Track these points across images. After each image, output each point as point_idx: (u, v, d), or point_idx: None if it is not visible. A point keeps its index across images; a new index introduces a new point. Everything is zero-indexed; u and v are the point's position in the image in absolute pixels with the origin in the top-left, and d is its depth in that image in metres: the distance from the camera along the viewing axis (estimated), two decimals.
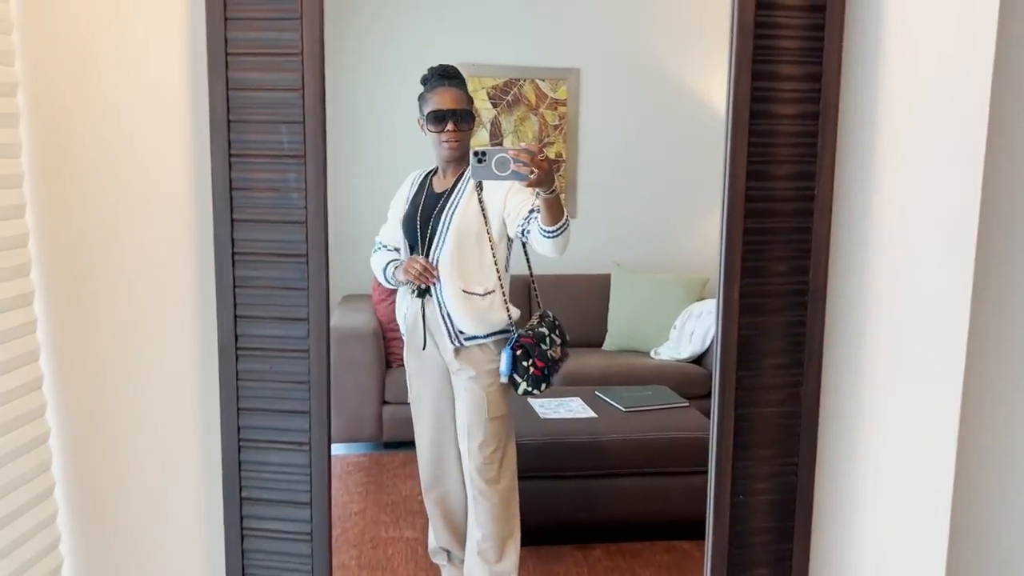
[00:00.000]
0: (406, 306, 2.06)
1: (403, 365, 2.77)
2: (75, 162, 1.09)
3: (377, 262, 2.18)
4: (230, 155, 1.04)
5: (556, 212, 1.73)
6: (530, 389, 2.09)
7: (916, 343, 1.14)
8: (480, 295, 1.97)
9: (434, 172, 2.01)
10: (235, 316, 1.07)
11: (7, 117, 1.05)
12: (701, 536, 3.13)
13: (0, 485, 1.03)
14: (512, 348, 1.98)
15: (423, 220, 1.98)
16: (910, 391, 1.15)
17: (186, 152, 1.09)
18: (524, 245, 1.99)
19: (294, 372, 1.08)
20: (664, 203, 4.01)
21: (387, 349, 3.64)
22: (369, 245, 2.20)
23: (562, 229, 1.80)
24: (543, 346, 2.03)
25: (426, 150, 2.07)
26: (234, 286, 1.07)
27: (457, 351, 2.00)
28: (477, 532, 2.22)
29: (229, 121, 1.04)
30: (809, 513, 1.13)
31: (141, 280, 1.12)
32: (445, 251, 1.94)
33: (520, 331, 2.01)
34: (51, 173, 1.09)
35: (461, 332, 1.99)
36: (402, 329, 2.12)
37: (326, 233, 1.05)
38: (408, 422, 2.94)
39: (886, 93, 1.11)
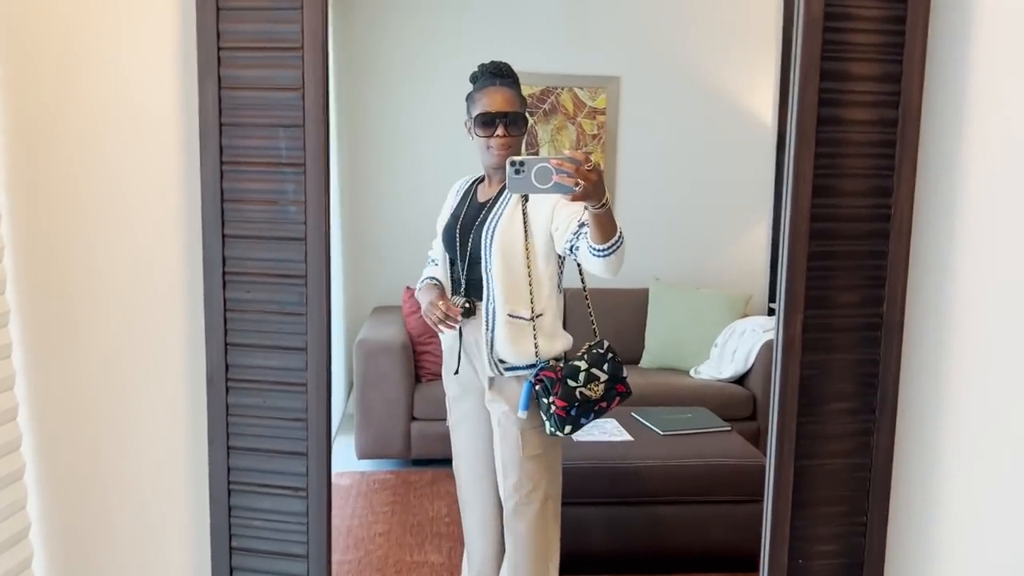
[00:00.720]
0: (447, 337, 1.89)
1: (434, 380, 2.59)
2: (53, 169, 0.97)
3: (425, 272, 2.02)
4: (221, 163, 0.92)
5: (608, 228, 1.50)
6: (553, 430, 1.87)
7: (1006, 386, 0.97)
8: (526, 319, 1.77)
9: (480, 180, 1.80)
10: (225, 343, 0.94)
11: None
12: (742, 569, 2.94)
13: None
14: (532, 382, 1.79)
15: (463, 233, 1.79)
16: (998, 441, 0.98)
17: (173, 159, 0.96)
18: (578, 263, 1.78)
19: (290, 408, 0.95)
20: (706, 216, 3.84)
21: (417, 363, 3.52)
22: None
23: (615, 247, 1.57)
24: (572, 383, 1.78)
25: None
26: (224, 310, 0.94)
27: (492, 381, 1.83)
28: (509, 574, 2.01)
29: (221, 124, 0.91)
30: None
31: (124, 301, 0.99)
32: (493, 269, 1.75)
33: (548, 363, 1.82)
34: (27, 182, 0.97)
35: (502, 361, 1.80)
36: (443, 347, 1.96)
37: (327, 251, 0.92)
38: (438, 439, 2.78)
39: (977, 97, 0.94)
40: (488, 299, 1.72)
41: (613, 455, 2.80)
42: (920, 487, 1.01)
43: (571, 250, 1.63)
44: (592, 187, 1.30)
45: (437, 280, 1.90)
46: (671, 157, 3.90)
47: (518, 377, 1.79)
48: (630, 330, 3.87)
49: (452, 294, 1.86)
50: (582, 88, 3.92)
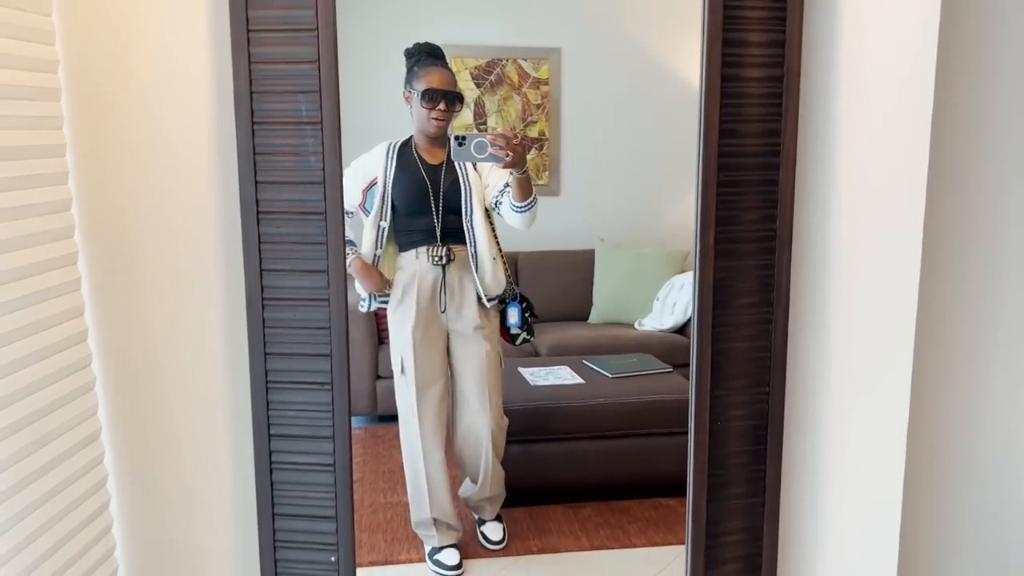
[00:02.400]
0: (414, 275, 2.15)
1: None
2: (110, 133, 1.21)
3: None
4: (253, 123, 1.17)
5: (526, 190, 1.98)
6: (529, 338, 2.33)
7: (875, 280, 1.29)
8: (493, 258, 2.14)
9: (408, 144, 2.12)
10: (260, 270, 1.20)
11: (49, 92, 1.16)
12: (684, 494, 3.30)
13: (51, 429, 1.15)
14: (519, 303, 2.19)
15: (434, 191, 2.11)
16: (870, 324, 1.30)
17: (212, 121, 1.21)
18: (499, 215, 2.16)
19: (316, 319, 1.21)
20: (645, 179, 4.15)
21: (379, 327, 3.77)
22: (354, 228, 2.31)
23: (530, 205, 2.05)
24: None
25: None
26: (259, 242, 1.19)
27: (481, 311, 2.18)
28: (487, 488, 2.36)
29: (252, 92, 1.16)
30: (780, 437, 1.28)
31: (175, 238, 1.24)
32: (474, 217, 2.09)
33: (512, 289, 2.22)
34: (91, 142, 1.21)
35: (485, 294, 2.16)
36: (400, 299, 2.20)
37: (341, 193, 1.18)
38: None
39: (843, 57, 1.25)
40: (470, 243, 2.07)
41: (566, 396, 3.11)
42: (811, 362, 1.32)
43: (495, 204, 2.10)
44: (518, 157, 1.74)
45: (352, 241, 2.20)
46: (611, 124, 4.19)
47: (493, 305, 2.18)
48: (578, 288, 4.17)
49: (409, 244, 2.14)
50: (526, 60, 4.17)
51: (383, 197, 2.10)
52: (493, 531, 2.49)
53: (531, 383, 3.13)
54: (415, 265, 2.15)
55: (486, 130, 3.63)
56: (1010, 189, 1.43)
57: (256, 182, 1.18)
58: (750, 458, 1.28)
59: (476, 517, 2.53)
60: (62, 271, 1.18)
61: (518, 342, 2.35)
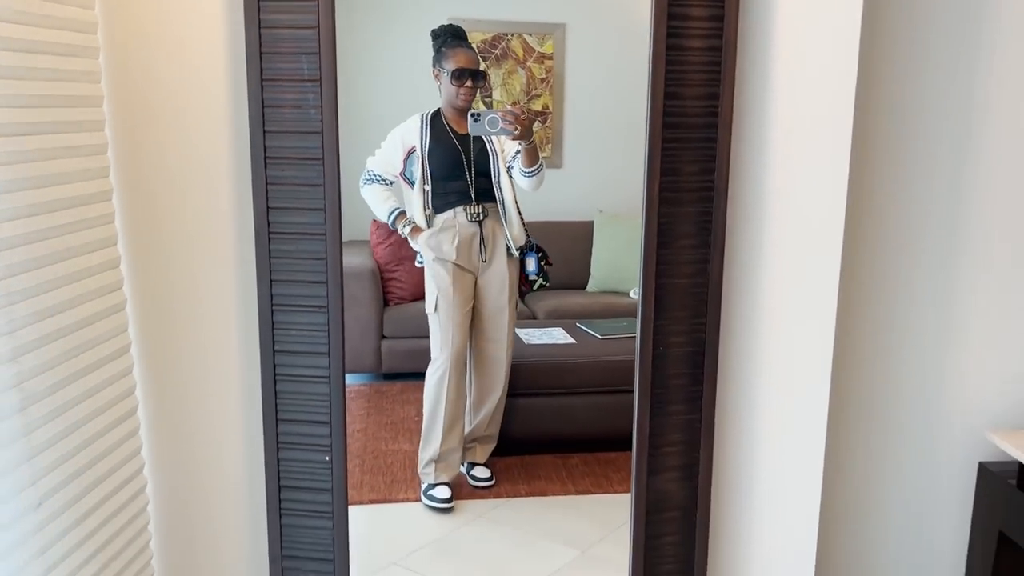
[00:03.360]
0: (454, 230, 2.47)
1: (400, 303, 3.24)
2: (141, 85, 1.43)
3: (375, 198, 2.62)
4: (262, 80, 1.38)
5: (533, 157, 2.37)
6: (545, 283, 2.67)
7: (802, 224, 1.49)
8: (519, 213, 2.53)
9: (438, 115, 2.43)
10: (267, 207, 1.42)
11: (89, 50, 1.38)
12: None
13: (84, 341, 1.38)
14: (536, 253, 2.56)
15: (466, 157, 2.42)
16: (797, 261, 1.51)
17: (228, 78, 1.43)
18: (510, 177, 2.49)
19: (314, 251, 1.43)
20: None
21: (385, 288, 3.99)
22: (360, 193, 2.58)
23: (537, 171, 2.44)
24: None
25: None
26: (266, 183, 1.41)
27: (509, 260, 2.55)
28: (485, 422, 2.71)
29: (261, 53, 1.37)
30: (715, 361, 1.49)
31: (190, 180, 1.47)
32: (502, 180, 2.45)
33: (530, 241, 2.55)
34: (123, 97, 1.44)
35: (513, 244, 2.52)
36: (440, 255, 2.54)
37: (337, 141, 1.39)
38: (405, 355, 3.38)
39: (779, 27, 1.45)
40: (499, 201, 2.44)
41: (558, 354, 3.32)
42: (744, 296, 1.53)
43: (507, 169, 2.44)
44: (525, 130, 2.16)
45: (400, 209, 2.52)
46: (613, 99, 4.36)
47: (516, 256, 2.55)
48: (577, 259, 4.37)
49: (447, 205, 2.49)
50: (531, 34, 4.34)
51: (423, 164, 2.41)
52: (481, 471, 2.75)
53: (526, 341, 3.35)
54: (454, 222, 2.48)
55: (491, 103, 3.86)
56: (930, 121, 1.63)
57: (264, 131, 1.40)
58: (689, 380, 1.49)
59: (465, 463, 2.77)
60: (98, 205, 1.41)
61: (535, 287, 2.69)
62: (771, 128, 1.47)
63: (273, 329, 1.45)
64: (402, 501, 2.88)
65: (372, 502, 2.87)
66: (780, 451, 1.55)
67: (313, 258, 1.43)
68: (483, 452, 2.82)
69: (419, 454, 2.76)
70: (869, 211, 1.66)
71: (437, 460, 2.67)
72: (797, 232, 1.50)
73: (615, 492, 2.96)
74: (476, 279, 2.61)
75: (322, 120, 1.39)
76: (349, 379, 4.12)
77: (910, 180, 1.65)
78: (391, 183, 2.56)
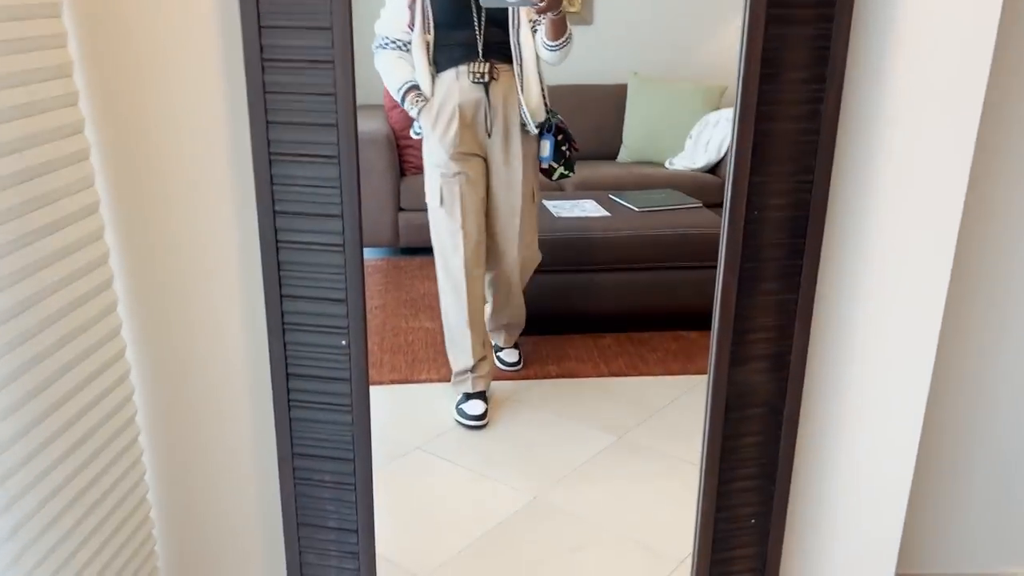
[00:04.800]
0: (453, 97, 1.98)
1: (418, 173, 2.79)
2: (135, 56, 1.06)
3: (387, 68, 2.11)
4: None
5: (560, 29, 1.85)
6: (567, 173, 2.19)
7: (941, 55, 1.13)
8: (540, 80, 1.99)
9: None
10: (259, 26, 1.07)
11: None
12: (706, 327, 3.25)
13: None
14: (553, 134, 2.07)
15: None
16: (930, 106, 1.16)
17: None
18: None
19: (319, 83, 1.09)
20: (684, 7, 3.86)
21: (401, 157, 3.64)
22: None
23: (562, 45, 1.91)
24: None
25: None
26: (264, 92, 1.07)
27: (524, 139, 2.04)
28: (504, 315, 2.35)
29: None
30: (820, 230, 1.17)
31: (183, 84, 1.14)
32: (523, 33, 1.93)
33: (553, 117, 2.08)
34: (114, 63, 1.07)
35: (531, 119, 2.02)
36: (436, 123, 2.05)
37: (351, 38, 1.04)
38: (424, 228, 3.01)
39: None
40: (516, 60, 1.92)
41: (591, 228, 3.01)
42: (862, 149, 1.19)
43: (532, 25, 1.92)
44: (554, 1, 1.68)
45: (412, 82, 2.04)
46: None
47: (533, 133, 2.05)
48: (608, 126, 3.98)
49: (450, 61, 1.97)
50: None
51: (423, 6, 1.94)
52: (509, 355, 2.47)
53: (555, 215, 3.03)
54: (455, 86, 1.97)
55: None
56: None
57: (260, 27, 1.04)
58: (786, 252, 1.17)
59: (493, 343, 2.49)
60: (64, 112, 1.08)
61: (554, 177, 2.19)
62: None
63: (271, 185, 1.14)
64: (424, 381, 2.65)
65: (394, 382, 2.65)
66: (885, 346, 1.25)
67: (318, 93, 1.09)
68: (509, 336, 2.54)
69: (449, 359, 2.45)
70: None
71: (471, 370, 2.37)
72: (934, 61, 1.14)
73: (651, 375, 2.71)
74: (487, 162, 2.12)
75: (331, 11, 1.02)
76: (365, 253, 3.86)
77: None
78: (407, 47, 2.02)
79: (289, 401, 1.22)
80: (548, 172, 2.20)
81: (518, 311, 2.43)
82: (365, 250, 4.23)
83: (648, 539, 1.93)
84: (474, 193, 2.12)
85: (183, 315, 1.25)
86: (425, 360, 2.74)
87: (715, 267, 3.20)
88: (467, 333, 2.30)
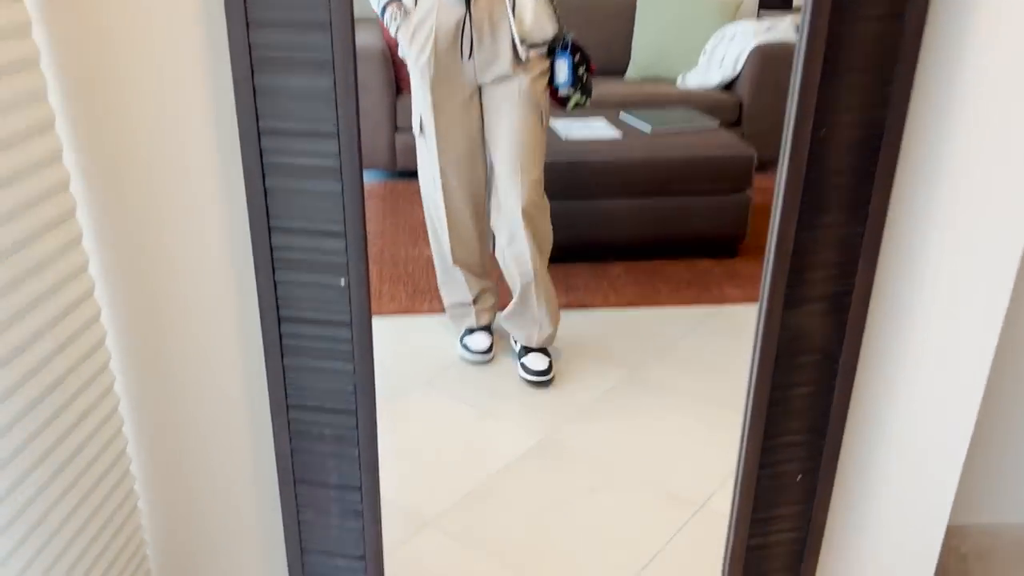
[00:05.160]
0: (432, 12, 1.75)
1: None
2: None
3: None
4: None
5: None
6: (583, 101, 1.94)
7: None
8: None
9: None
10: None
11: None
12: (721, 255, 3.07)
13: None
14: (570, 54, 1.81)
15: None
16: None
17: None
18: None
19: None
20: None
21: (397, 74, 3.40)
22: None
23: None
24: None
25: None
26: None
27: (516, 63, 1.77)
28: (530, 311, 2.04)
29: None
30: (895, 155, 1.00)
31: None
32: None
33: (567, 36, 1.82)
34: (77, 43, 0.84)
35: (523, 39, 1.76)
36: (413, 41, 1.82)
37: None
38: None
39: None
40: None
41: (602, 151, 2.81)
42: (945, 62, 1.01)
43: None
44: None
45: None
46: None
47: (537, 56, 1.80)
48: (616, 40, 3.74)
49: None
50: None
51: None
52: (535, 361, 2.08)
53: (562, 136, 2.84)
54: (435, 2, 1.73)
55: None
56: None
57: None
58: (855, 178, 1.00)
59: (513, 341, 2.17)
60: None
61: (570, 106, 1.91)
62: None
63: (254, 96, 0.96)
64: (426, 313, 2.51)
65: (393, 313, 2.50)
66: (956, 286, 1.10)
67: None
68: (533, 334, 2.34)
69: (441, 295, 2.25)
70: None
71: (474, 303, 2.18)
72: None
73: (662, 305, 2.58)
74: (478, 88, 1.85)
75: None
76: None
77: None
78: None
79: (282, 348, 1.07)
80: (563, 101, 1.96)
81: (544, 300, 2.03)
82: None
83: (666, 481, 1.82)
84: (460, 124, 1.88)
85: (158, 250, 1.09)
86: (427, 291, 2.60)
87: (732, 193, 3.01)
88: (454, 272, 2.11)
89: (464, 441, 1.96)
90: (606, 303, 2.60)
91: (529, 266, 1.92)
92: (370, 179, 3.43)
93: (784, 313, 1.04)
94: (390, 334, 2.40)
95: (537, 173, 1.87)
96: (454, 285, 2.15)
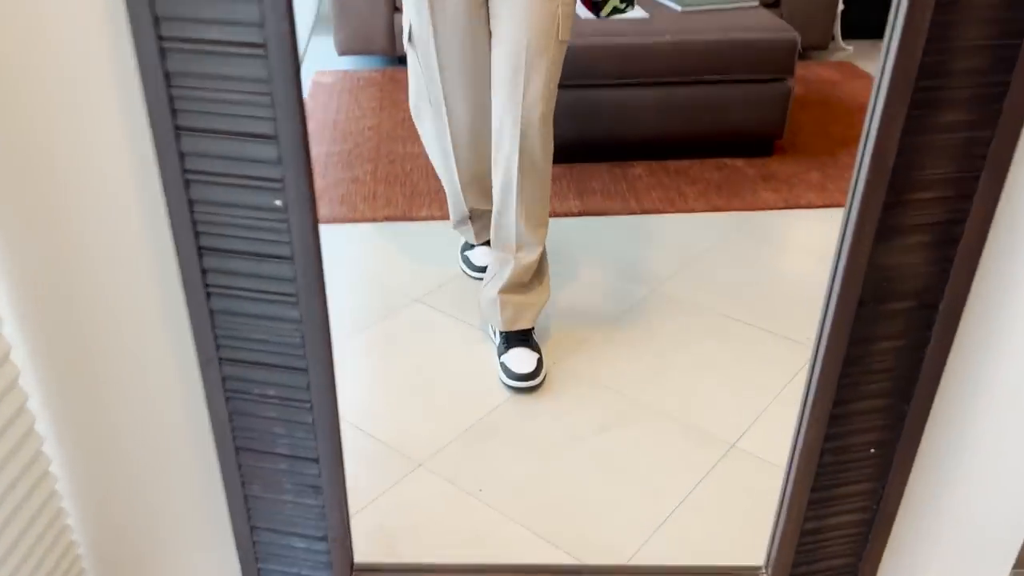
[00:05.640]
0: None
1: None
2: None
3: None
4: None
5: None
6: (622, 6, 1.59)
7: None
8: None
9: None
10: None
11: None
12: (755, 154, 2.72)
13: None
14: None
15: None
16: None
17: None
18: None
19: None
20: None
21: None
22: None
23: None
24: None
25: None
26: None
27: None
28: (509, 235, 1.63)
29: None
30: None
31: None
32: None
33: None
34: None
35: None
36: None
37: None
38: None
39: None
40: None
41: (624, 31, 2.45)
42: None
43: None
44: None
45: None
46: None
47: None
48: None
49: None
50: None
51: None
52: (518, 361, 1.60)
53: (579, 15, 2.46)
54: None
55: None
56: None
57: None
58: (987, 62, 0.70)
59: (492, 332, 1.73)
60: None
61: (604, 12, 1.60)
62: None
63: (168, 86, 0.66)
64: (425, 219, 2.24)
65: (388, 219, 2.23)
66: None
67: None
68: (514, 315, 1.93)
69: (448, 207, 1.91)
70: None
71: (472, 219, 1.85)
72: None
73: (690, 211, 2.29)
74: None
75: None
76: (356, 64, 3.31)
77: None
78: None
79: (207, 287, 0.81)
80: (596, 6, 1.60)
81: (532, 231, 1.60)
82: (355, 58, 3.64)
83: (691, 417, 1.59)
84: (461, 30, 1.51)
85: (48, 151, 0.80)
86: (426, 193, 2.31)
87: (770, 81, 2.63)
88: (455, 186, 1.78)
89: (463, 367, 1.72)
90: (626, 209, 2.32)
91: (513, 203, 1.58)
92: (366, 66, 3.09)
93: (874, 247, 0.76)
94: (384, 242, 2.15)
95: (543, 85, 1.49)
96: (452, 201, 1.85)
